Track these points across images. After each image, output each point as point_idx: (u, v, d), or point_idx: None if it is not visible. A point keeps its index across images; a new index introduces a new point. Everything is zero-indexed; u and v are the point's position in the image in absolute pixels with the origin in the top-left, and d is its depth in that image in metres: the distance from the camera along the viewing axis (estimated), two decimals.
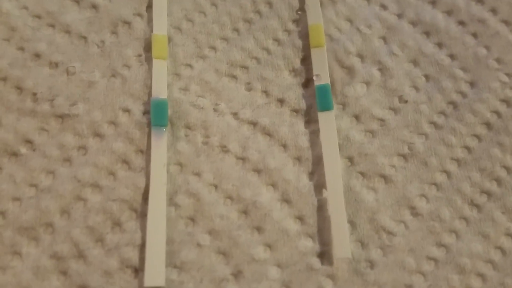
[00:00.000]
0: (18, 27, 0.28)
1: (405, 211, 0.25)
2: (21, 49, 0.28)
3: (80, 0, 0.29)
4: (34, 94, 0.26)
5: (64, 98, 0.26)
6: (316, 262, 0.24)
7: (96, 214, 0.24)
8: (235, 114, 0.27)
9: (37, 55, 0.27)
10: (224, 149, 0.26)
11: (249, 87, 0.28)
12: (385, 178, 0.26)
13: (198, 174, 0.26)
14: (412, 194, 0.26)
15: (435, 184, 0.26)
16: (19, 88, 0.26)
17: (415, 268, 0.24)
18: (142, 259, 0.23)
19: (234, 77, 0.28)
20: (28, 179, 0.25)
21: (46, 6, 0.29)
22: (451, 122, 0.28)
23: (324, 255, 0.24)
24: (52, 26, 0.28)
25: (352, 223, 0.25)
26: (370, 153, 0.27)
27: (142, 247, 0.24)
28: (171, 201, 0.25)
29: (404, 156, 0.27)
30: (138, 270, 0.23)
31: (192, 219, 0.25)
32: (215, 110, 0.27)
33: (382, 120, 0.27)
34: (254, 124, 0.27)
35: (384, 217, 0.25)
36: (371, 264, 0.24)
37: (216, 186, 0.25)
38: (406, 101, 0.28)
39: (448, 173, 0.26)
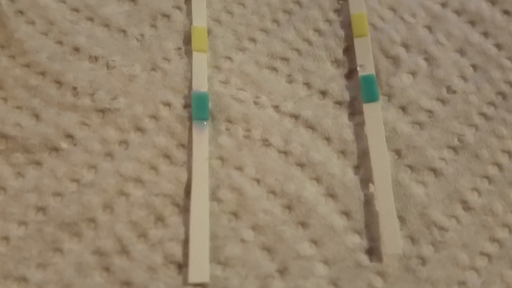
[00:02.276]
0: (56, 21, 0.28)
1: (457, 205, 0.24)
2: (60, 42, 0.27)
3: None
4: (75, 88, 0.26)
5: (105, 92, 0.26)
6: (364, 258, 0.23)
7: (139, 209, 0.24)
8: (276, 107, 0.27)
9: (76, 49, 0.27)
10: (266, 142, 0.26)
11: (290, 79, 0.27)
12: (435, 171, 0.25)
13: (240, 168, 0.25)
14: (464, 187, 0.25)
15: (487, 177, 0.25)
16: (59, 82, 0.26)
17: (468, 264, 0.23)
18: (185, 254, 0.23)
19: (274, 69, 0.28)
20: (69, 174, 0.24)
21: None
22: (501, 113, 0.27)
23: (373, 252, 0.23)
24: (91, 19, 0.28)
25: (401, 218, 0.24)
26: (418, 145, 0.26)
27: (186, 242, 0.23)
28: (214, 196, 0.24)
29: (454, 149, 0.26)
30: (182, 266, 0.23)
31: (235, 214, 0.24)
32: (256, 103, 0.27)
33: (430, 111, 0.27)
34: (296, 117, 0.26)
35: (435, 212, 0.24)
36: (423, 261, 0.23)
37: (258, 181, 0.25)
38: (454, 92, 0.27)
39: (499, 166, 0.25)
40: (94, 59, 0.27)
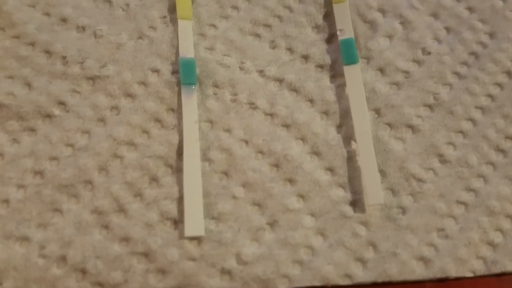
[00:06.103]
0: None
1: (434, 159, 0.26)
2: (47, 14, 0.28)
3: None
4: (64, 57, 0.27)
5: (94, 60, 0.27)
6: (348, 210, 0.25)
7: (133, 170, 0.25)
8: (261, 72, 0.28)
9: (64, 20, 0.28)
10: (253, 105, 0.27)
11: (273, 45, 0.28)
12: (412, 128, 0.27)
13: (228, 130, 0.26)
14: (440, 142, 0.26)
15: (461, 131, 0.27)
16: (48, 52, 0.27)
17: (446, 212, 0.25)
18: (180, 211, 0.24)
19: (258, 35, 0.28)
20: (64, 139, 0.25)
21: None
22: (474, 71, 0.28)
23: (356, 203, 0.25)
24: None
25: (382, 172, 0.26)
26: (396, 104, 0.27)
27: (180, 200, 0.24)
28: (205, 157, 0.25)
29: (430, 106, 0.27)
30: (178, 222, 0.24)
31: (226, 173, 0.25)
32: (241, 68, 0.28)
33: (406, 72, 0.28)
34: (280, 80, 0.27)
35: (413, 165, 0.26)
36: (403, 210, 0.25)
37: (247, 142, 0.26)
38: (429, 53, 0.28)
39: (473, 121, 0.27)
40: (81, 29, 0.28)
